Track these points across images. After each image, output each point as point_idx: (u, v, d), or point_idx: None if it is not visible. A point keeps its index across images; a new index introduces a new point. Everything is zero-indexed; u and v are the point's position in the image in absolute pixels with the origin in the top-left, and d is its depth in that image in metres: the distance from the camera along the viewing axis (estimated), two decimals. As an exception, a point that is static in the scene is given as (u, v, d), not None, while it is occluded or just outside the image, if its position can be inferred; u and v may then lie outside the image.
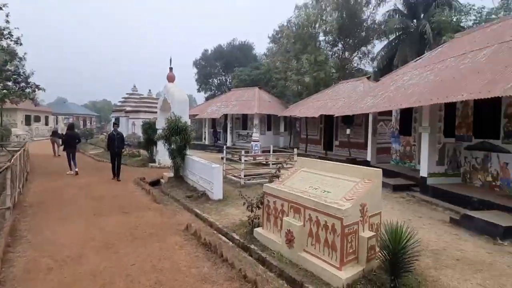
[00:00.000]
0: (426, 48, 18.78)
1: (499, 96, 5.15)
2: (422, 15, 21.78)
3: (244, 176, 9.00)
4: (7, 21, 12.83)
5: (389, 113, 11.99)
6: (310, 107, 16.75)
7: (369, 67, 26.55)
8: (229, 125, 21.16)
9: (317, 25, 23.30)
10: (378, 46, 25.49)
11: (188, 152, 9.40)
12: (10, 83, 14.08)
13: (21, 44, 13.61)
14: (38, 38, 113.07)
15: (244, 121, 21.64)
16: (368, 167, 3.96)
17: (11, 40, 13.24)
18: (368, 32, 24.03)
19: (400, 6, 23.31)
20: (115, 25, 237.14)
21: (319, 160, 5.11)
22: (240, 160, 9.41)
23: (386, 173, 7.03)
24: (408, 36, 21.80)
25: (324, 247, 3.50)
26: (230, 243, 4.80)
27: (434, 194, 7.54)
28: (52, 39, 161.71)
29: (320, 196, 3.74)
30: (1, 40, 13.02)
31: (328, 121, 16.49)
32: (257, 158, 12.27)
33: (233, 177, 9.58)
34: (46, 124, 38.37)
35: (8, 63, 13.46)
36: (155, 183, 9.89)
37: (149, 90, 32.44)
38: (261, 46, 69.33)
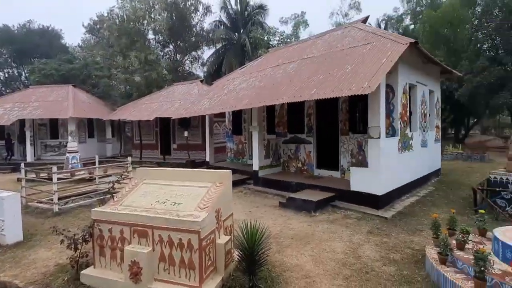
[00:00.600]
0: (247, 59, 21.88)
1: (306, 100, 6.51)
2: (242, 30, 25.09)
3: (59, 199, 6.92)
4: None
5: (222, 114, 12.88)
6: (143, 110, 15.42)
7: (200, 72, 27.86)
8: (28, 134, 15.57)
9: (145, 22, 21.90)
10: (207, 52, 27.18)
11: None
12: None
13: None
14: None
15: (53, 127, 16.73)
16: (220, 170, 3.82)
17: None
18: (197, 38, 24.93)
19: (224, 19, 25.86)
20: None
21: (165, 168, 4.53)
22: (51, 179, 7.15)
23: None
24: (232, 47, 24.61)
25: (180, 268, 3.05)
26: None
27: (264, 184, 8.70)
28: None
29: (171, 210, 3.24)
30: None
31: (165, 124, 15.76)
32: (76, 174, 9.73)
33: (40, 205, 7.13)
34: None
35: None
36: None
37: None
38: (72, 35, 56.64)
